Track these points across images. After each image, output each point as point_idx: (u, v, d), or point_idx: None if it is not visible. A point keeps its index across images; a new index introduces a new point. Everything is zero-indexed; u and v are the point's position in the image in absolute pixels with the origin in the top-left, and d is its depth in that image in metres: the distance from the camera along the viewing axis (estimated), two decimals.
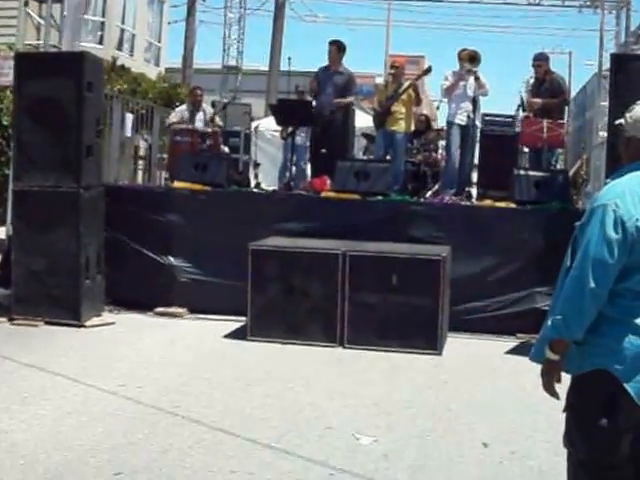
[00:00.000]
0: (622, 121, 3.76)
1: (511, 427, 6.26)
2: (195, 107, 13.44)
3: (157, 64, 32.51)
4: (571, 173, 12.57)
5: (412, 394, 7.10)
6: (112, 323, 9.35)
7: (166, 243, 10.28)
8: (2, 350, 7.81)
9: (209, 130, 13.08)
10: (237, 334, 9.06)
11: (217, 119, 13.67)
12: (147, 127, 16.10)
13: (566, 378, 3.68)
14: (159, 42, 33.41)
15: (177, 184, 10.82)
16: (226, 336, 9.02)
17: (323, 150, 11.95)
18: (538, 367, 3.69)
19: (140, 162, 17.31)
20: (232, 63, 30.61)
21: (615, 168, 3.94)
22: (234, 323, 9.35)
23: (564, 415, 3.72)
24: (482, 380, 7.70)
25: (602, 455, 3.53)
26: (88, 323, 9.13)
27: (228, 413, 6.30)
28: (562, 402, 3.74)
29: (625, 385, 3.48)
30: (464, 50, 12.13)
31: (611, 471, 3.55)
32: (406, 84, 12.12)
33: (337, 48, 12.42)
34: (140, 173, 17.12)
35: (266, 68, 30.83)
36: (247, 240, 9.07)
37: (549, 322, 3.60)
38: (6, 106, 14.60)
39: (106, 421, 5.97)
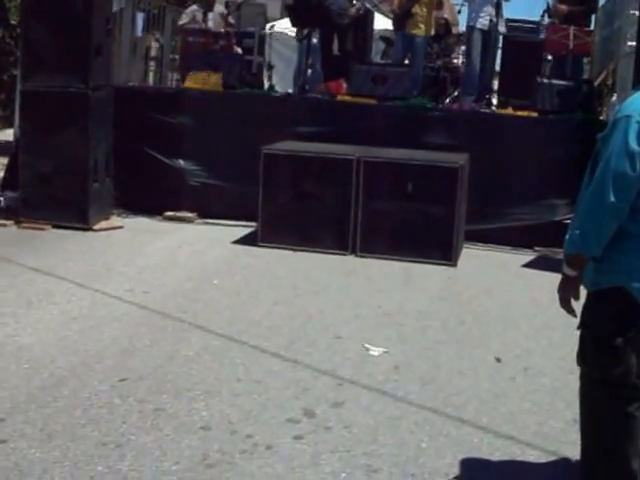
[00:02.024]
0: None
1: (525, 343, 6.22)
2: (208, 7, 13.14)
3: None
4: (596, 83, 12.31)
5: (425, 305, 7.06)
6: (120, 227, 9.32)
7: (176, 146, 10.18)
8: (9, 253, 7.80)
9: (222, 31, 12.88)
10: (247, 240, 9.02)
11: (230, 19, 13.42)
12: (159, 27, 15.86)
13: (583, 295, 3.62)
14: None
15: (190, 78, 10.63)
16: (236, 242, 8.98)
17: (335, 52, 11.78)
18: (555, 282, 3.62)
19: (151, 63, 17.11)
20: None
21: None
22: (244, 229, 9.32)
23: (579, 333, 3.68)
24: (497, 293, 7.65)
25: (616, 374, 3.50)
26: (96, 227, 9.09)
27: (236, 320, 6.29)
28: (578, 319, 3.69)
29: None
30: None
31: (624, 390, 3.52)
32: None
33: None
34: (151, 74, 16.93)
35: None
36: (259, 144, 8.97)
37: (567, 237, 3.54)
38: (14, 5, 14.36)
39: (112, 326, 5.97)
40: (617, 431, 3.55)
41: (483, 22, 11.73)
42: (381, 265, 8.34)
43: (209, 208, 9.93)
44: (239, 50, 13.39)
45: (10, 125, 12.03)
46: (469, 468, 4.15)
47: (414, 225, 8.57)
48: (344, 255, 8.62)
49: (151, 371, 5.15)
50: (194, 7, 13.79)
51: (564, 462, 4.26)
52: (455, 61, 13.43)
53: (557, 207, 9.34)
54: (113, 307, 6.42)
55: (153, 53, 17.08)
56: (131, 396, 4.74)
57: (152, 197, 9.98)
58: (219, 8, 13.44)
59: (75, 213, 9.00)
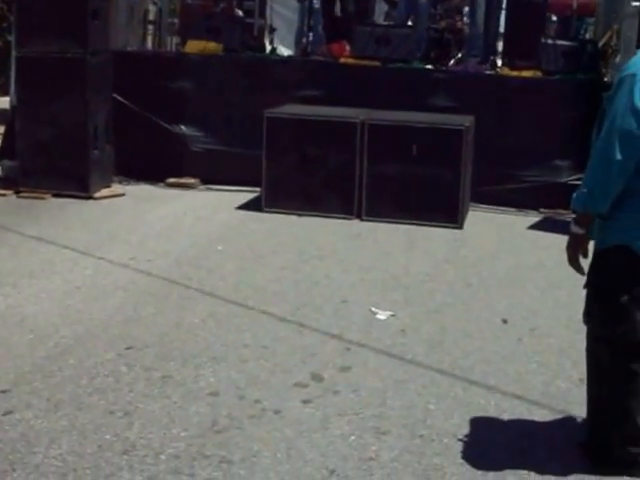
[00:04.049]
0: None
1: (531, 304, 6.27)
2: None
3: None
4: (601, 44, 12.26)
5: (431, 268, 7.10)
6: (122, 195, 9.31)
7: (177, 111, 10.14)
8: (9, 223, 7.84)
9: None
10: (251, 205, 9.03)
11: None
12: None
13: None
14: None
15: (190, 44, 10.59)
16: (240, 207, 9.00)
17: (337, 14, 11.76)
18: (561, 243, 3.67)
19: (150, 27, 17.00)
20: None
21: None
22: (248, 194, 9.33)
23: (585, 292, 3.72)
24: (503, 255, 7.69)
25: (622, 332, 3.57)
26: (97, 195, 9.08)
27: (241, 286, 6.33)
28: (584, 279, 3.73)
29: None
30: None
31: (630, 347, 3.59)
32: None
33: None
34: (150, 38, 16.83)
35: None
36: (262, 108, 8.94)
37: (574, 195, 3.58)
38: None
39: (117, 295, 6.01)
40: (623, 388, 3.61)
41: None
42: (386, 228, 8.36)
43: (212, 174, 9.91)
44: (240, 13, 13.31)
45: (5, 93, 11.97)
46: (477, 428, 4.20)
47: (419, 188, 8.57)
48: (349, 219, 8.64)
49: (157, 339, 5.19)
50: None
51: (571, 421, 4.31)
52: (459, 23, 13.32)
53: (562, 168, 9.35)
54: (117, 276, 6.46)
55: (151, 17, 16.95)
56: (137, 364, 4.79)
57: (154, 164, 9.94)
58: None
59: (75, 181, 8.98)
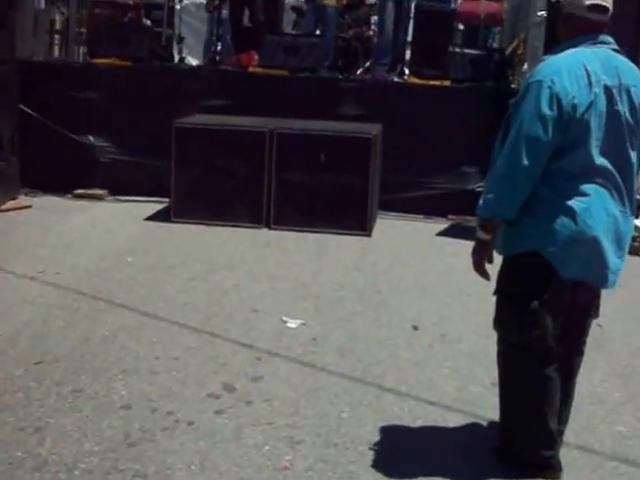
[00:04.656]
0: None
1: (441, 310, 6.35)
2: None
3: None
4: (508, 52, 12.51)
5: (341, 276, 7.14)
6: (28, 207, 9.14)
7: (85, 122, 10.01)
8: None
9: (130, 2, 12.65)
10: (160, 216, 8.97)
11: None
12: None
13: (497, 259, 3.70)
14: None
15: (97, 59, 10.48)
16: (149, 218, 8.92)
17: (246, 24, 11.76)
18: (469, 249, 3.71)
19: (56, 36, 16.77)
20: None
21: (550, 47, 3.93)
22: (157, 204, 9.27)
23: (495, 298, 3.77)
24: (412, 262, 7.77)
25: (532, 337, 3.62)
26: (2, 207, 8.90)
27: (151, 297, 6.28)
28: (493, 285, 3.77)
29: (556, 268, 3.52)
30: None
31: (541, 353, 3.64)
32: None
33: None
34: (57, 48, 16.60)
35: None
36: (171, 118, 8.89)
37: (481, 201, 3.62)
38: None
39: (25, 309, 5.90)
40: (535, 392, 3.67)
41: None
42: (296, 237, 8.38)
43: (120, 185, 9.80)
44: (148, 22, 13.19)
45: None
46: (391, 436, 4.23)
47: (328, 196, 8.62)
48: (258, 228, 8.64)
49: (67, 353, 5.12)
50: None
51: (484, 425, 4.37)
52: (367, 32, 13.42)
53: (469, 175, 9.50)
54: (25, 290, 6.34)
55: (58, 26, 16.73)
56: (48, 379, 4.71)
57: (61, 175, 9.77)
58: None
59: None
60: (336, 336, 5.64)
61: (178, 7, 15.40)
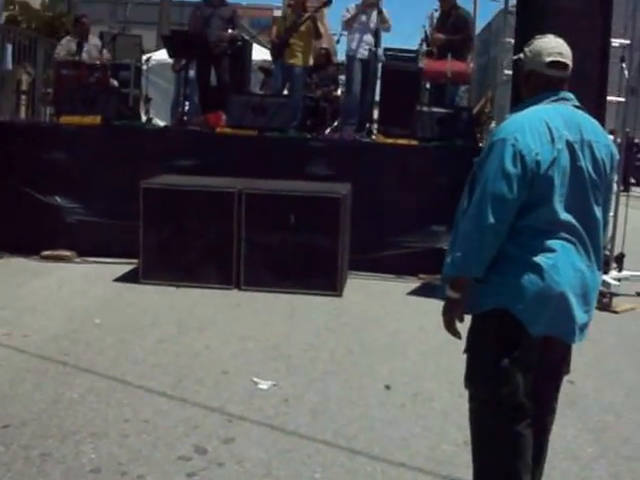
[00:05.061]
0: (521, 55, 3.85)
1: (413, 369, 6.39)
2: (82, 38, 12.99)
3: None
4: (475, 111, 12.72)
5: (312, 337, 7.17)
6: None
7: (52, 182, 10.08)
8: None
9: (97, 63, 12.74)
10: (129, 277, 8.99)
11: (105, 51, 13.34)
12: (30, 59, 15.66)
13: (468, 318, 3.75)
14: None
15: (64, 119, 10.55)
16: (117, 279, 8.94)
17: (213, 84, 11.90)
18: (440, 308, 3.75)
19: (23, 97, 16.87)
20: None
21: (516, 105, 4.02)
22: (125, 266, 9.28)
23: (466, 356, 3.81)
24: (384, 322, 7.83)
25: (503, 394, 3.64)
26: None
27: (120, 360, 6.27)
28: (464, 343, 3.82)
29: (525, 325, 3.57)
30: None
31: (513, 410, 3.66)
32: (305, 15, 12.01)
33: None
34: (23, 109, 16.70)
35: None
36: (138, 178, 8.94)
37: (448, 259, 3.66)
38: None
39: None
40: (507, 449, 3.69)
41: (362, 52, 12.00)
42: (266, 298, 8.42)
43: (88, 246, 9.85)
44: (115, 83, 13.28)
45: None
46: None
47: (298, 257, 8.70)
48: (228, 289, 8.67)
49: (35, 416, 5.09)
50: (68, 37, 13.63)
51: None
52: (335, 91, 13.59)
53: (439, 234, 9.60)
54: None
55: (24, 87, 16.84)
56: (15, 442, 4.68)
57: (28, 236, 9.82)
58: (94, 39, 13.34)
59: None
60: (308, 397, 5.66)
61: (145, 67, 15.55)
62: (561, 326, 3.65)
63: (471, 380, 3.79)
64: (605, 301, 8.60)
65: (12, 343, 6.55)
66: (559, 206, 3.56)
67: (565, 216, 3.58)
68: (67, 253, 9.80)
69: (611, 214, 4.35)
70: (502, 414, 3.67)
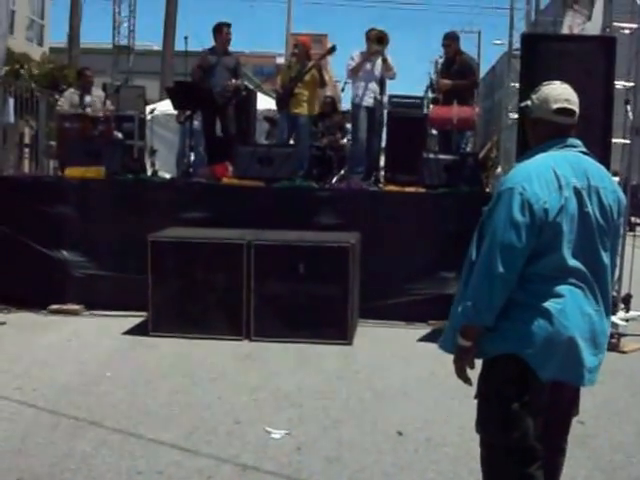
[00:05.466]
0: (528, 102, 3.94)
1: (425, 415, 6.49)
2: (85, 90, 13.12)
3: (40, 44, 32.01)
4: (481, 156, 12.82)
5: (323, 385, 7.27)
6: (3, 323, 9.27)
7: (58, 236, 10.21)
8: None
9: (101, 115, 12.88)
10: (138, 330, 9.09)
11: (109, 103, 13.50)
12: (32, 112, 15.84)
13: (478, 364, 3.87)
14: (42, 19, 32.83)
15: (69, 171, 10.70)
16: (126, 332, 9.05)
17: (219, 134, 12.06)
18: (451, 354, 3.87)
19: (26, 150, 17.05)
20: (123, 42, 30.23)
21: (523, 151, 4.13)
22: (135, 319, 9.40)
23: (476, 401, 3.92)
24: (394, 368, 7.93)
25: (514, 438, 3.74)
26: None
27: (132, 412, 6.36)
28: (475, 388, 3.93)
29: (535, 369, 3.68)
30: (372, 30, 12.20)
31: (524, 453, 3.76)
32: (310, 64, 12.19)
33: (229, 28, 12.55)
34: (27, 162, 16.86)
35: (160, 48, 30.54)
36: (145, 231, 9.07)
37: (459, 309, 3.77)
38: None
39: (3, 427, 5.95)
40: None
41: (368, 100, 12.16)
42: (277, 348, 8.52)
43: (96, 299, 9.95)
44: (119, 135, 13.41)
45: None
46: None
47: (308, 306, 8.79)
48: (239, 340, 8.78)
49: (47, 470, 5.16)
50: (71, 90, 13.77)
51: None
52: (341, 140, 13.72)
53: (448, 280, 9.69)
54: (2, 406, 6.39)
55: (27, 140, 17.02)
56: None
57: (35, 291, 9.95)
58: (97, 91, 13.48)
59: None
60: (321, 445, 5.76)
61: (149, 118, 15.72)
62: (570, 371, 3.75)
63: (482, 425, 3.89)
64: (613, 342, 8.68)
65: (22, 397, 6.63)
66: (567, 252, 3.66)
67: (573, 262, 3.68)
68: (75, 307, 9.91)
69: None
70: (513, 458, 3.76)
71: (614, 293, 9.37)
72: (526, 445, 3.75)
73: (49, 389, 6.91)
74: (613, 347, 8.63)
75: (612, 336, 8.71)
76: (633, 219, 18.70)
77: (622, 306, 9.69)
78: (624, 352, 8.83)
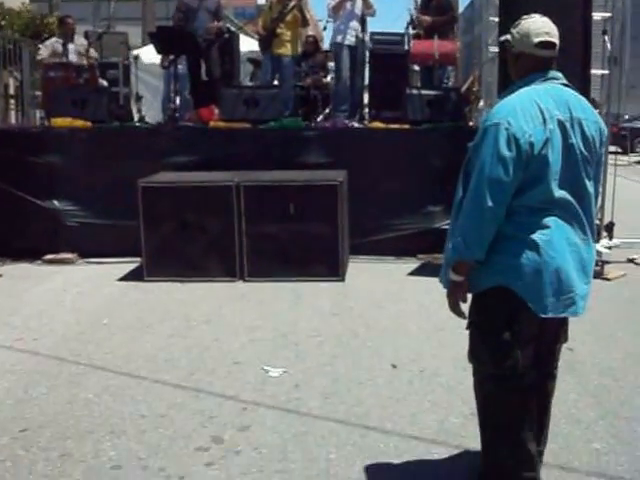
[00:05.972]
0: (509, 37, 3.93)
1: (418, 347, 6.57)
2: (67, 38, 12.83)
3: None
4: (463, 90, 12.77)
5: (318, 322, 7.33)
6: None
7: (48, 186, 10.18)
8: None
9: (85, 63, 12.73)
10: (133, 276, 9.13)
11: (92, 50, 13.35)
12: (16, 63, 15.67)
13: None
14: None
15: (56, 121, 10.64)
16: (122, 279, 9.07)
17: (204, 78, 11.98)
18: (440, 286, 3.91)
19: (11, 101, 16.89)
20: None
21: (505, 85, 4.12)
22: (129, 265, 9.43)
23: (468, 332, 3.97)
24: (386, 303, 8.00)
25: (507, 367, 3.81)
26: None
27: (132, 357, 6.41)
28: (466, 320, 3.98)
29: (526, 301, 3.72)
30: None
31: (516, 381, 3.83)
32: (291, 4, 12.10)
33: None
34: (13, 113, 16.74)
35: None
36: (135, 177, 9.03)
37: (449, 245, 3.81)
38: None
39: (5, 378, 5.99)
40: (512, 418, 3.86)
41: (350, 38, 12.11)
42: (271, 288, 8.57)
43: (90, 247, 9.96)
44: (104, 82, 13.29)
45: None
46: (379, 473, 4.42)
47: (299, 245, 8.83)
48: (233, 282, 8.82)
49: (51, 418, 5.21)
50: (53, 39, 13.58)
51: (468, 454, 4.58)
52: (324, 79, 13.65)
53: (434, 214, 9.78)
54: (3, 358, 6.44)
55: (12, 91, 16.86)
56: (34, 445, 4.79)
57: (29, 242, 9.96)
58: (79, 39, 13.27)
59: None
60: (318, 381, 5.82)
61: (133, 65, 15.56)
62: (566, 304, 3.77)
63: (474, 354, 3.95)
64: (597, 269, 8.76)
65: (23, 348, 6.67)
66: (554, 184, 3.68)
67: (559, 193, 3.71)
68: (70, 256, 9.92)
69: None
70: (505, 385, 3.84)
71: (597, 221, 9.42)
72: (518, 373, 3.81)
73: (48, 339, 6.95)
74: (597, 274, 8.70)
75: (596, 263, 8.79)
76: (614, 148, 18.75)
77: (605, 234, 9.76)
78: (608, 279, 8.93)
